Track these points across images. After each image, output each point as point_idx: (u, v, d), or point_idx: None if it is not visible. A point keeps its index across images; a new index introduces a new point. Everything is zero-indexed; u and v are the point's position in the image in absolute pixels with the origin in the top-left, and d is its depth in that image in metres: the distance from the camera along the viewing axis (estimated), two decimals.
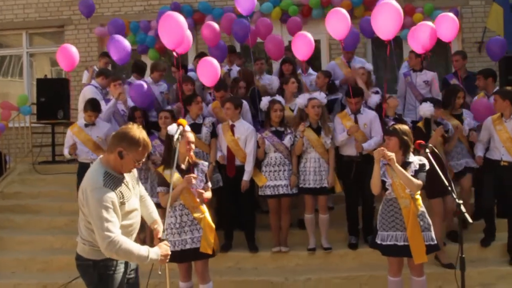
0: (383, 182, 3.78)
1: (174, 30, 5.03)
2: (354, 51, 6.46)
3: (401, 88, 6.23)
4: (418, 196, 3.76)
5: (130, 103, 5.71)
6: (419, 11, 8.64)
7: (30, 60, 10.03)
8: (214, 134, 5.13)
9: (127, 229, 2.70)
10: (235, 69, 6.43)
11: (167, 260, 2.76)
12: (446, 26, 5.32)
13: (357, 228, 5.10)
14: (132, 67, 6.51)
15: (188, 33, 5.43)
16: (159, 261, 2.70)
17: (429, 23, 5.29)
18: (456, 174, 5.01)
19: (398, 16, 4.69)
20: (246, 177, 4.92)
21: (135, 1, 9.38)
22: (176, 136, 3.25)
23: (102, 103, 5.57)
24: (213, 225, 3.89)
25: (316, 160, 4.87)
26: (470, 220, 2.88)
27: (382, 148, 3.71)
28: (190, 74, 6.30)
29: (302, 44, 5.44)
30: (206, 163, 4.03)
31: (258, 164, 5.04)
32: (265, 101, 5.09)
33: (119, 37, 5.83)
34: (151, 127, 5.25)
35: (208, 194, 3.92)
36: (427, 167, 3.72)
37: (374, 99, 5.36)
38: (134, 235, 2.82)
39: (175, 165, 3.14)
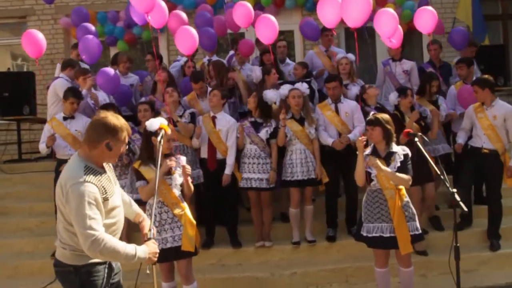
0: (368, 174, 3.73)
1: None
2: (331, 39, 6.41)
3: (380, 78, 6.24)
4: (401, 186, 3.73)
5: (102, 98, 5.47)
6: (391, 1, 8.66)
7: None
8: (192, 122, 4.96)
9: (110, 228, 2.50)
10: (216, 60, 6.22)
11: (155, 259, 2.59)
12: (426, 18, 5.34)
13: (335, 220, 5.06)
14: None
15: (163, 3, 5.18)
16: (146, 260, 2.51)
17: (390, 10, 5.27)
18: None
19: (367, 4, 4.65)
20: (227, 170, 4.79)
21: None
22: (158, 139, 3.12)
23: None
24: (194, 221, 3.74)
25: (302, 151, 4.79)
26: (465, 209, 2.85)
27: (363, 137, 3.69)
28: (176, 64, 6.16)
29: (265, 28, 5.27)
30: (184, 157, 3.85)
31: (238, 156, 4.92)
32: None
33: (88, 37, 5.53)
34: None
35: (192, 186, 3.75)
36: (410, 155, 3.73)
37: (353, 91, 5.33)
38: (118, 236, 2.63)
39: (158, 167, 2.94)
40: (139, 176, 3.67)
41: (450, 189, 2.95)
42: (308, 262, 4.80)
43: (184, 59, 6.21)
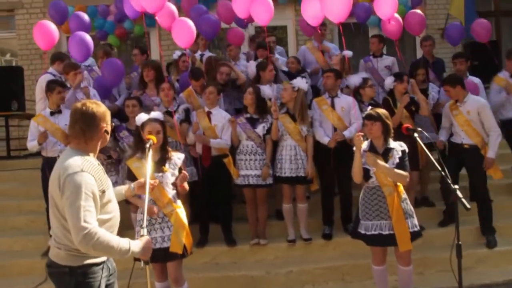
0: (366, 171, 3.67)
1: None
2: (324, 34, 6.35)
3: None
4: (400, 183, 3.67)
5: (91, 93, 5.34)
6: None
7: None
8: (186, 120, 4.87)
9: (105, 224, 2.40)
10: (208, 55, 6.11)
11: (149, 255, 2.50)
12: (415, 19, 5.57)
13: (332, 217, 5.00)
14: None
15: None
16: (141, 255, 2.43)
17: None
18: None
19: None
20: (211, 143, 4.68)
21: None
22: (146, 151, 3.05)
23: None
24: (186, 222, 3.58)
25: (292, 148, 4.70)
26: (468, 206, 2.79)
27: (360, 133, 3.62)
28: None
29: (261, 8, 5.16)
30: (182, 156, 3.72)
31: (234, 153, 4.83)
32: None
33: (80, 34, 5.38)
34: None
35: (186, 186, 3.66)
36: (407, 151, 3.68)
37: (354, 79, 5.26)
38: (114, 233, 2.51)
39: (148, 179, 2.85)
40: (129, 176, 3.59)
41: (452, 186, 2.89)
42: (304, 260, 4.73)
43: (178, 53, 6.10)
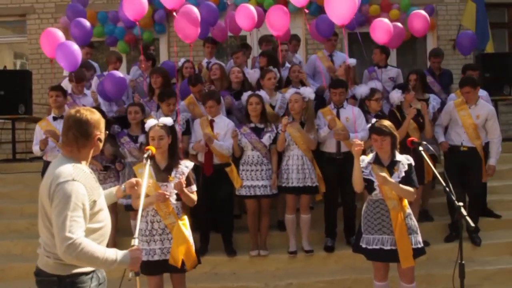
0: (370, 182, 3.57)
1: None
2: (335, 44, 6.27)
3: None
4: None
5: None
6: (396, 7, 8.57)
7: None
8: (186, 131, 4.81)
9: (96, 233, 2.35)
10: (215, 62, 6.07)
11: (138, 266, 2.41)
12: (418, 22, 5.51)
13: (334, 229, 4.90)
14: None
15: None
16: (129, 265, 2.35)
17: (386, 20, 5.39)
18: None
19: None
20: (214, 143, 4.59)
21: None
22: (144, 161, 3.01)
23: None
24: (187, 235, 3.45)
25: (299, 158, 4.63)
26: (472, 224, 2.69)
27: (360, 142, 3.53)
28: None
29: (276, 17, 5.18)
30: (190, 164, 3.60)
31: (236, 163, 4.76)
32: (245, 96, 4.81)
33: (67, 43, 5.39)
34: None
35: (193, 197, 3.52)
36: (413, 165, 3.58)
37: (362, 89, 5.18)
38: (105, 243, 2.46)
39: (144, 191, 2.79)
40: None
41: (456, 203, 2.79)
42: (305, 273, 4.63)
43: (183, 60, 6.08)
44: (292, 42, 6.59)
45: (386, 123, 3.65)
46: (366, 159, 3.64)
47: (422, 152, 3.27)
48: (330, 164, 4.79)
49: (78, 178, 2.27)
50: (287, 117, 4.62)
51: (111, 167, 4.82)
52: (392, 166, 3.55)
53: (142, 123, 4.48)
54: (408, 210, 3.62)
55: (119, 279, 2.70)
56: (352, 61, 5.30)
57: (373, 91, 5.06)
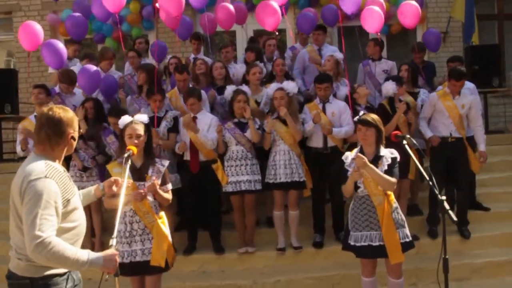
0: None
1: None
2: (323, 38, 6.24)
3: (360, 78, 6.16)
4: (390, 192, 3.54)
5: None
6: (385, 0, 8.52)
7: None
8: (174, 129, 4.75)
9: (70, 232, 2.30)
10: (201, 57, 6.02)
11: (114, 268, 2.34)
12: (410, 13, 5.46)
13: (323, 225, 4.88)
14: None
15: None
16: (102, 267, 2.28)
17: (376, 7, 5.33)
18: None
19: None
20: (199, 135, 4.55)
21: None
22: (124, 161, 2.95)
23: None
24: (167, 234, 3.41)
25: (286, 153, 4.60)
26: (455, 219, 2.66)
27: (362, 156, 3.40)
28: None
29: (265, 14, 5.12)
30: (166, 162, 3.55)
31: (221, 159, 4.72)
32: (229, 91, 4.75)
33: (53, 41, 5.34)
34: (106, 120, 4.88)
35: (167, 196, 3.48)
36: (398, 159, 3.54)
37: (343, 91, 5.16)
38: (79, 243, 2.41)
39: (123, 191, 2.73)
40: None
41: (439, 196, 2.76)
42: (293, 269, 4.60)
43: (169, 56, 6.03)
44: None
45: (373, 116, 3.62)
46: (350, 155, 3.59)
47: (406, 146, 3.24)
48: (317, 159, 4.75)
49: (51, 175, 2.22)
50: (271, 117, 4.59)
51: (91, 168, 4.78)
52: (376, 161, 3.51)
53: None
54: (395, 204, 3.58)
55: (89, 281, 2.65)
56: (339, 55, 5.25)
57: (352, 86, 5.08)
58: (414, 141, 3.33)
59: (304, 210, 4.93)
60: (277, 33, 5.72)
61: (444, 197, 2.77)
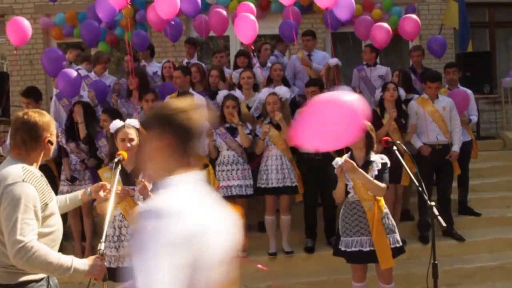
0: (345, 185, 3.53)
1: None
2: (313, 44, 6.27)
3: (355, 84, 6.17)
4: (380, 197, 3.54)
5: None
6: (378, 6, 8.58)
7: None
8: None
9: (47, 237, 2.26)
10: (195, 62, 6.02)
11: (100, 274, 2.30)
12: (409, 25, 5.60)
13: (314, 230, 4.88)
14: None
15: None
16: (87, 273, 2.25)
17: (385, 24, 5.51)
18: None
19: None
20: None
21: None
22: (114, 166, 2.93)
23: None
24: None
25: (278, 158, 4.60)
26: (444, 224, 2.67)
27: (350, 160, 3.41)
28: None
29: (244, 26, 5.11)
30: None
31: (213, 164, 4.71)
32: (220, 96, 4.75)
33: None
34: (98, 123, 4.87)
35: None
36: (389, 165, 3.55)
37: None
38: (56, 248, 2.37)
39: (113, 195, 2.70)
40: None
41: (428, 202, 2.77)
42: (285, 274, 4.59)
43: (164, 61, 6.03)
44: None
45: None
46: (340, 160, 3.60)
47: (396, 152, 3.25)
48: (309, 165, 4.76)
49: (28, 179, 2.19)
50: (265, 123, 4.60)
51: (79, 179, 4.75)
52: (366, 166, 3.51)
53: None
54: (386, 209, 3.59)
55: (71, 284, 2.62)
56: (333, 61, 5.27)
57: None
58: (404, 147, 3.33)
59: (296, 215, 4.93)
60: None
61: (433, 203, 2.78)
